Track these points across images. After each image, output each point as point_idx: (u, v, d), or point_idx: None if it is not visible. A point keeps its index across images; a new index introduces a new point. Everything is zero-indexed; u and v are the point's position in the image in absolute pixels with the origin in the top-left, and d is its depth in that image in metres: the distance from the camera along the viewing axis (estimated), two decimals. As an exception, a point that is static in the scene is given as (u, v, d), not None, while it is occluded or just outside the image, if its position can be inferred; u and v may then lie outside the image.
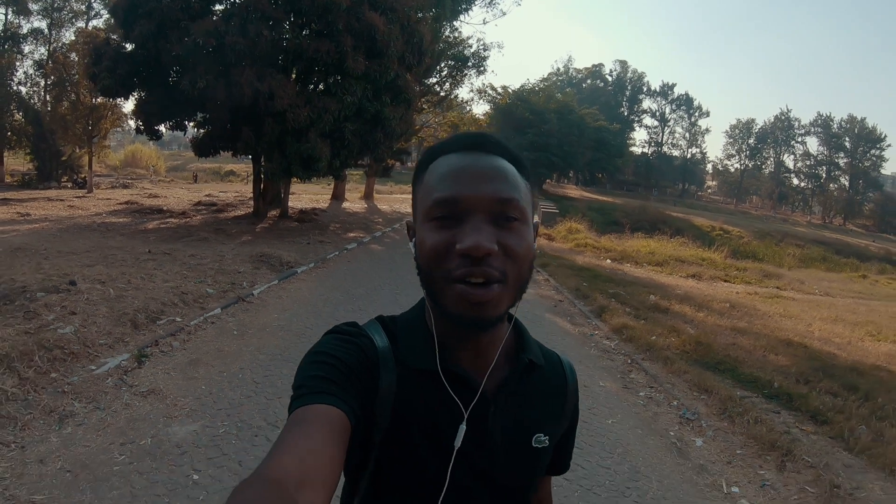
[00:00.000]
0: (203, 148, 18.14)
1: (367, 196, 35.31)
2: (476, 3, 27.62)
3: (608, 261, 19.11)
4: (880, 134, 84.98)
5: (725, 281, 18.51)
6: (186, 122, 18.43)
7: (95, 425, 4.18)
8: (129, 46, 16.50)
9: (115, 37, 18.24)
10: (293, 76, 16.34)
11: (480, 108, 49.88)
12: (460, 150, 0.97)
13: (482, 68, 32.40)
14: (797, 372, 7.35)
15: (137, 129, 18.94)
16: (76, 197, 24.01)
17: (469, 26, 31.69)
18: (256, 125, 14.73)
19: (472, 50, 31.90)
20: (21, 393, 4.43)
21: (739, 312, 11.89)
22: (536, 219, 1.00)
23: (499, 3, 35.04)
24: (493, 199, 0.91)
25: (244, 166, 62.41)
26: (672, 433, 5.17)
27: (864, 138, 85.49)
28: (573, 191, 69.77)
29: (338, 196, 30.74)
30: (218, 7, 16.14)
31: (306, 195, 32.19)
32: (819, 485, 4.37)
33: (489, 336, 1.00)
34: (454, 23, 27.26)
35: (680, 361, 7.11)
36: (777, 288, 18.59)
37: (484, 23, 52.85)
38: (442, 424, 0.97)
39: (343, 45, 14.48)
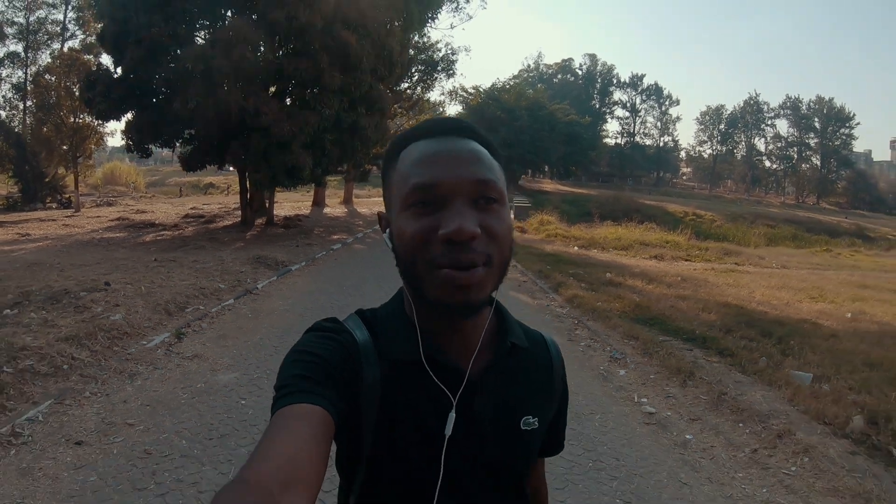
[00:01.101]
0: (191, 163, 19.33)
1: (347, 200, 36.41)
2: (443, 9, 28.71)
3: (575, 248, 20.36)
4: (849, 113, 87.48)
5: (686, 260, 19.61)
6: (175, 140, 19.55)
7: (158, 378, 5.55)
8: (117, 70, 17.70)
9: (99, 60, 19.40)
10: (275, 92, 17.66)
11: (453, 110, 51.18)
12: (432, 136, 0.96)
13: (451, 72, 33.70)
14: (722, 324, 8.66)
15: (128, 148, 20.05)
16: (66, 216, 24.74)
17: (437, 31, 32.99)
18: (243, 140, 15.98)
19: (441, 54, 33.19)
20: (94, 361, 5.78)
21: (689, 284, 13.06)
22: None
23: (465, 8, 36.16)
24: (473, 181, 0.90)
25: (223, 178, 63.22)
26: (602, 368, 6.61)
27: (834, 118, 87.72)
28: (548, 185, 71.11)
29: (319, 202, 31.81)
30: (203, 33, 17.44)
31: (288, 203, 33.21)
32: (710, 394, 5.80)
33: (472, 321, 1.00)
34: (422, 29, 28.45)
35: (618, 319, 8.55)
36: (735, 264, 19.65)
37: (451, 27, 54.45)
38: (429, 413, 0.98)
39: (319, 63, 15.82)
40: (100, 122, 28.80)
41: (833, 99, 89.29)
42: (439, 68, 33.17)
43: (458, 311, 0.91)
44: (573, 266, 14.34)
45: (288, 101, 18.28)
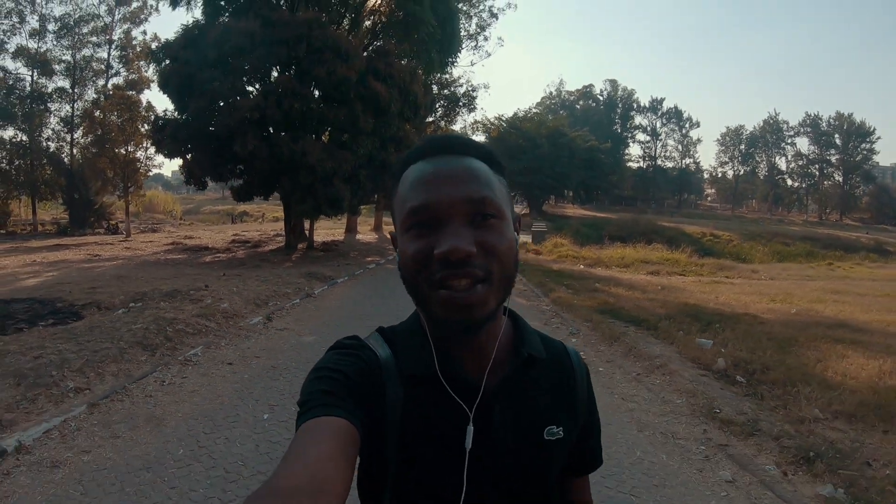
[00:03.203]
0: (242, 194, 22.79)
1: (377, 227, 39.55)
2: (462, 49, 31.66)
3: (581, 266, 22.94)
4: (869, 127, 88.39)
5: (681, 275, 21.72)
6: (230, 175, 22.88)
7: (265, 339, 8.73)
8: (176, 113, 21.26)
9: (144, 97, 22.87)
10: (317, 135, 20.95)
11: (476, 139, 54.57)
12: (429, 156, 1.00)
13: (472, 107, 37.17)
14: (667, 314, 11.36)
15: (186, 181, 23.55)
16: (120, 241, 28.38)
17: (459, 68, 35.62)
18: (292, 176, 19.22)
19: (462, 90, 36.63)
20: (219, 328, 8.96)
21: (665, 291, 15.48)
22: (518, 212, 1.08)
23: (483, 46, 39.52)
24: (466, 199, 0.93)
25: (256, 207, 66.90)
26: (560, 338, 9.54)
27: (854, 133, 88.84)
28: (571, 209, 73.38)
29: (351, 229, 34.92)
30: (256, 86, 20.87)
31: (322, 230, 36.01)
32: (625, 348, 8.77)
33: (484, 334, 1.02)
34: (444, 70, 31.63)
35: (585, 311, 11.52)
36: (726, 277, 21.71)
37: (472, 64, 58.55)
38: (448, 428, 1.01)
39: (355, 110, 19.13)
40: (149, 157, 32.50)
41: (853, 114, 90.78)
42: (461, 104, 36.57)
43: (461, 329, 0.94)
44: (570, 279, 17.09)
45: (326, 139, 21.49)
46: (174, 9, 23.17)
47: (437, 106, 35.05)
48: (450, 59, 28.94)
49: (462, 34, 31.71)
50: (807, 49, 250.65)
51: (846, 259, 35.43)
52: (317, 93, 20.20)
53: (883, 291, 17.93)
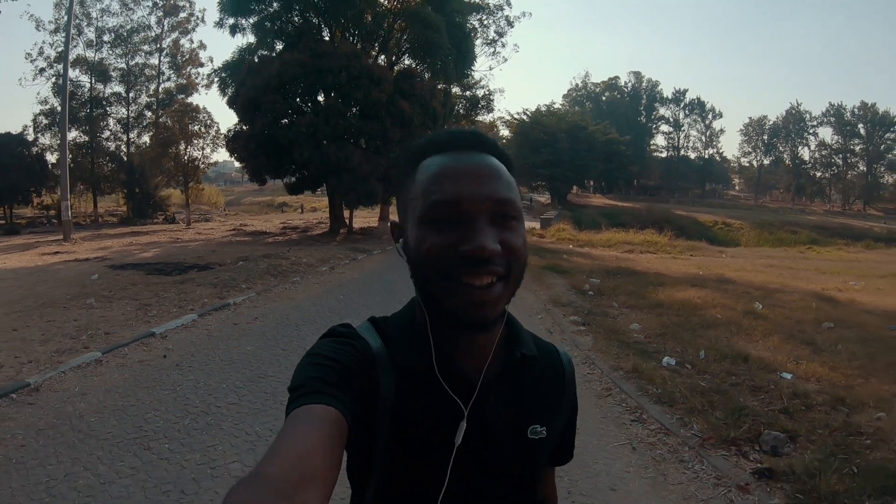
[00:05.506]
0: (295, 189, 30.21)
1: (384, 218, 45.35)
2: (475, 62, 36.17)
3: (571, 246, 28.36)
4: (894, 117, 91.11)
5: (652, 253, 26.35)
6: (286, 174, 29.94)
7: (331, 276, 15.79)
8: (242, 126, 28.23)
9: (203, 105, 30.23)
10: (356, 144, 27.64)
11: (501, 133, 60.29)
12: (452, 150, 1.03)
13: (491, 108, 43.30)
14: (590, 271, 17.57)
15: (250, 179, 30.47)
16: (184, 229, 34.15)
17: (478, 73, 39.22)
18: (338, 175, 25.98)
19: (481, 93, 42.66)
20: (305, 271, 15.92)
21: (618, 260, 20.85)
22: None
23: (501, 52, 45.36)
24: (493, 199, 0.97)
25: (294, 199, 73.29)
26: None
27: (878, 123, 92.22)
28: (596, 199, 77.84)
29: (384, 217, 40.57)
30: (309, 105, 27.83)
31: (359, 218, 41.64)
32: (540, 282, 15.39)
33: (485, 334, 1.06)
34: (462, 80, 37.35)
35: (536, 268, 17.90)
36: (691, 255, 26.20)
37: (490, 69, 64.42)
38: (441, 422, 1.05)
39: (385, 124, 25.93)
40: (205, 156, 39.83)
41: (877, 104, 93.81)
42: (480, 105, 42.64)
43: (472, 326, 0.98)
44: (548, 252, 22.94)
45: (364, 144, 27.97)
46: (233, 36, 29.58)
47: (458, 108, 40.45)
48: (466, 72, 34.70)
49: (480, 42, 37.93)
50: (830, 39, 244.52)
51: (839, 246, 38.39)
52: (355, 109, 26.83)
53: (814, 267, 22.09)
